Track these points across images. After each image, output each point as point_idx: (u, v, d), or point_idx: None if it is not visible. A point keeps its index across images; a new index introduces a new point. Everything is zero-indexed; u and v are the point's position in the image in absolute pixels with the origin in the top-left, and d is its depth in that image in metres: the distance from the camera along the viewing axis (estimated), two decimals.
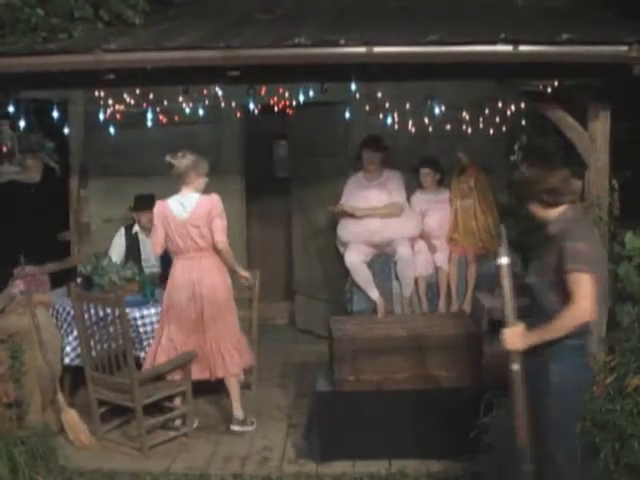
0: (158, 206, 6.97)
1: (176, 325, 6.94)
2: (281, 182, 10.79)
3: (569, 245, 4.58)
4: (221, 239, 6.83)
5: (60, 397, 6.82)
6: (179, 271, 6.95)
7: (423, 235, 8.26)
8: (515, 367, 4.73)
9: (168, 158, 6.85)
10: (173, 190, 9.23)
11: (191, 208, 6.83)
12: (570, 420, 4.76)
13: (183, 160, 6.79)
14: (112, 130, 7.31)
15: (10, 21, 6.38)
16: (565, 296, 4.60)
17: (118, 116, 7.67)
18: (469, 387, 6.14)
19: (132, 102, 7.81)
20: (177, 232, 6.85)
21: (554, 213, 4.80)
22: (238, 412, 7.03)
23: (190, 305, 6.88)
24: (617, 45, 5.37)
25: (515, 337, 4.73)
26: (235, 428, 6.99)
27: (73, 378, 7.39)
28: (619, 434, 5.23)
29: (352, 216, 8.24)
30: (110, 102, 7.66)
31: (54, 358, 6.87)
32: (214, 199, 6.88)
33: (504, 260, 4.70)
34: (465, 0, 8.25)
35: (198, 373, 6.98)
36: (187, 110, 7.62)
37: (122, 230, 8.53)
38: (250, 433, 6.98)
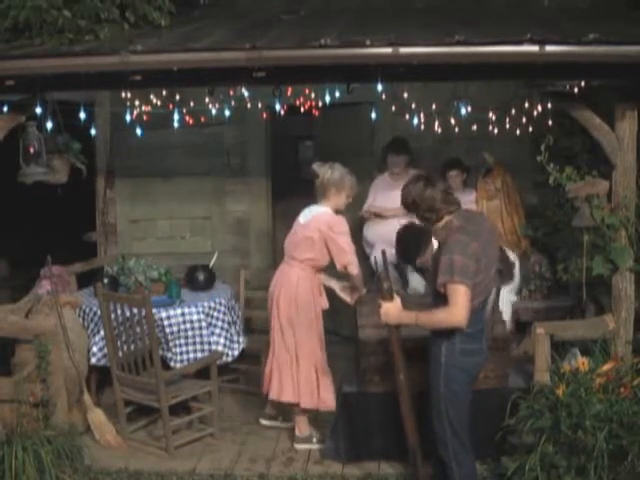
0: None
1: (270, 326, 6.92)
2: (307, 183, 10.77)
3: (444, 258, 4.97)
4: (345, 261, 6.62)
5: (86, 397, 6.85)
6: (276, 272, 6.95)
7: None
8: (401, 377, 5.48)
9: (315, 166, 6.84)
10: (197, 191, 9.33)
11: (311, 216, 6.76)
12: (452, 397, 5.18)
13: (329, 172, 6.76)
14: (138, 131, 7.33)
15: (37, 23, 6.41)
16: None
17: (144, 117, 7.70)
18: (495, 389, 6.12)
19: (158, 103, 7.83)
20: (290, 234, 6.85)
21: (441, 224, 5.18)
22: (296, 432, 6.85)
23: (271, 309, 6.84)
24: None
25: (391, 311, 5.29)
26: (297, 446, 6.83)
27: (99, 378, 7.45)
28: None
29: (380, 216, 8.25)
30: (136, 103, 7.69)
31: (80, 358, 6.91)
32: (336, 218, 6.68)
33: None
34: (491, 0, 8.23)
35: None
36: (213, 111, 7.63)
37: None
38: (276, 433, 7.01)
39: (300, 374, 6.66)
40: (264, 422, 7.18)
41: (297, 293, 6.67)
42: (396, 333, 5.41)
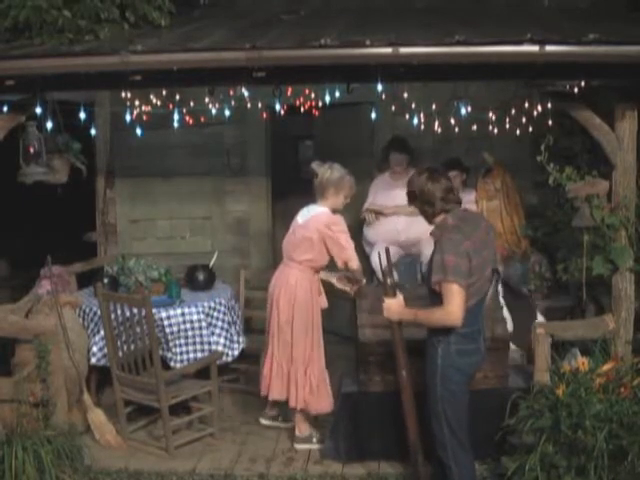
0: None
1: (268, 326, 6.90)
2: (307, 183, 10.77)
3: (436, 257, 5.03)
4: (345, 257, 6.61)
5: (86, 397, 6.85)
6: (275, 273, 6.94)
7: None
8: (403, 373, 5.53)
9: (314, 165, 6.84)
10: (197, 191, 9.32)
11: (309, 216, 6.76)
12: (450, 397, 5.17)
13: (328, 171, 6.76)
14: (138, 131, 7.32)
15: (37, 23, 6.41)
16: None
17: (144, 117, 7.69)
18: (495, 389, 6.13)
19: (158, 103, 7.83)
20: (288, 234, 6.87)
21: (437, 220, 5.23)
22: (296, 432, 6.84)
23: (270, 310, 6.83)
24: None
25: (392, 307, 5.36)
26: (296, 446, 6.81)
27: (99, 378, 7.45)
28: None
29: (380, 214, 8.26)
30: (136, 103, 7.68)
31: (80, 358, 6.90)
32: (334, 217, 6.71)
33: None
34: (491, 0, 8.23)
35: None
36: (213, 111, 7.62)
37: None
38: (276, 433, 7.01)
39: (291, 373, 6.68)
40: (264, 422, 7.18)
41: (296, 294, 6.66)
42: (398, 329, 5.44)
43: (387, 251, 5.75)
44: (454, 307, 4.90)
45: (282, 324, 6.66)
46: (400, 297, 5.39)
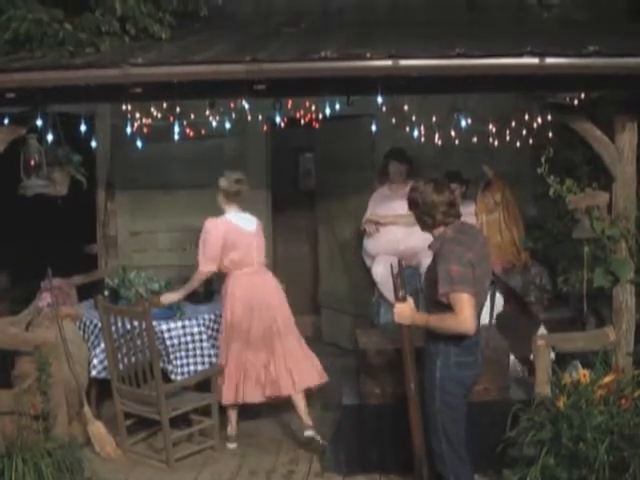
0: (216, 223, 7.07)
1: (243, 342, 6.96)
2: (307, 195, 10.80)
3: (441, 269, 5.00)
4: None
5: (87, 409, 6.85)
6: (244, 285, 7.01)
7: None
8: (412, 386, 5.40)
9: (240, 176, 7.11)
10: (198, 203, 9.33)
11: (254, 223, 7.13)
12: (448, 410, 5.16)
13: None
14: (139, 143, 7.33)
15: (38, 35, 6.42)
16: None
17: (145, 130, 7.70)
18: (496, 401, 6.11)
19: (159, 115, 7.84)
20: (244, 244, 7.01)
21: (436, 232, 5.23)
22: (308, 421, 6.96)
23: (258, 320, 6.93)
24: None
25: (404, 311, 5.29)
26: (309, 433, 6.88)
27: (100, 390, 7.43)
28: None
29: (379, 224, 8.25)
30: (137, 116, 7.69)
31: (81, 370, 6.90)
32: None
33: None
34: (490, 13, 8.25)
35: (257, 394, 7.01)
36: (214, 123, 7.63)
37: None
38: (276, 447, 6.98)
39: (292, 364, 7.00)
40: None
41: (281, 293, 7.16)
42: (408, 338, 5.41)
43: (400, 263, 5.74)
44: (466, 315, 4.89)
45: (288, 323, 7.05)
46: (410, 301, 5.35)
